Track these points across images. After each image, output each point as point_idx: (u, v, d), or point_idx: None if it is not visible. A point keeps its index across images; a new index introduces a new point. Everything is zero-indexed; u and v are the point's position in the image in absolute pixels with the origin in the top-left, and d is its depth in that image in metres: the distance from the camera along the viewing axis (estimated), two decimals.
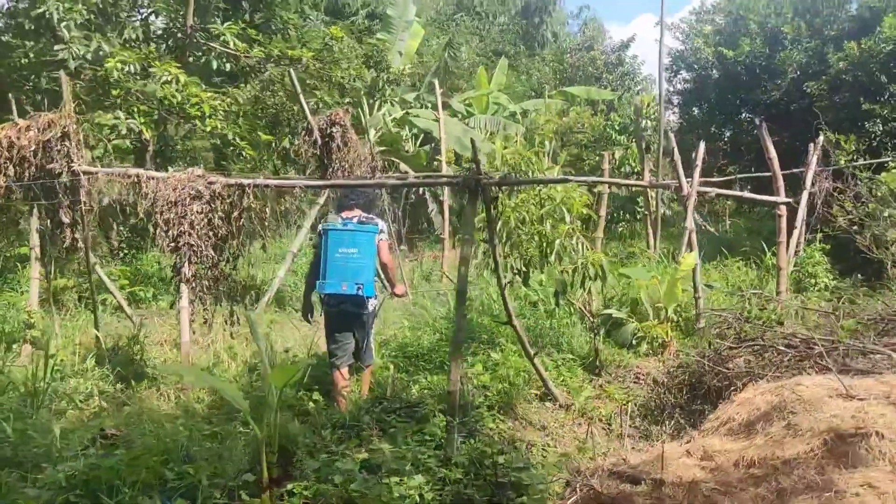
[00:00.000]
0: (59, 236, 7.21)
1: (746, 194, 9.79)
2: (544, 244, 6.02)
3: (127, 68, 9.53)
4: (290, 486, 3.92)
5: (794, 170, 11.87)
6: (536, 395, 5.90)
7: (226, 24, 11.61)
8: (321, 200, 9.38)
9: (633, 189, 14.37)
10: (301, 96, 10.37)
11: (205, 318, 5.90)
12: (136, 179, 6.14)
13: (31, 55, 9.66)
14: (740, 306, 7.03)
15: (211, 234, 5.74)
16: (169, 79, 9.59)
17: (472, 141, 4.54)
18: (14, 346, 7.07)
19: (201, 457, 4.09)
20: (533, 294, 7.89)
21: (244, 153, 12.09)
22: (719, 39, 16.08)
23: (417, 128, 18.26)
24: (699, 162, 7.98)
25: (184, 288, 5.99)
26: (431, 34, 32.11)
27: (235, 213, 5.74)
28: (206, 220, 5.73)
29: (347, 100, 15.11)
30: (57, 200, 6.83)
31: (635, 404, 6.10)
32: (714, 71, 16.17)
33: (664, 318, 7.00)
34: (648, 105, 17.26)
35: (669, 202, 14.35)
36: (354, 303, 5.89)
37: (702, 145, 8.40)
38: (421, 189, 16.87)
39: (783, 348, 5.32)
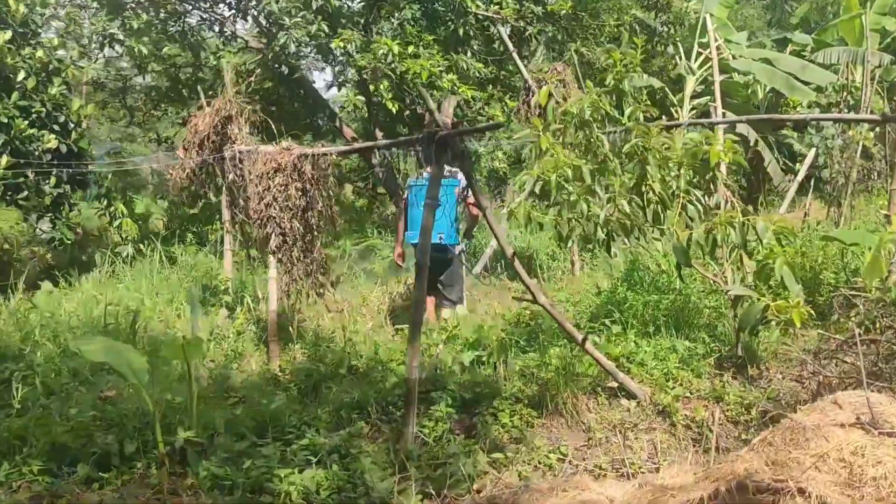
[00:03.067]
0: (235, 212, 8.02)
1: None
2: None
3: (349, 46, 10.04)
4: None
5: None
6: (613, 388, 4.85)
7: None
8: None
9: None
10: (515, 53, 9.87)
11: (292, 290, 6.00)
12: (256, 155, 6.51)
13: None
14: None
15: (290, 205, 5.81)
16: (385, 51, 9.83)
17: (422, 92, 3.89)
18: (212, 308, 7.99)
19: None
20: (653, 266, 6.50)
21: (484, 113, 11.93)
22: None
23: (738, 72, 16.19)
24: None
25: (272, 260, 6.19)
26: None
27: (304, 183, 5.71)
28: (285, 191, 5.83)
29: (621, 48, 13.98)
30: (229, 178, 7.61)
31: (756, 411, 4.68)
32: None
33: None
34: None
35: None
36: (437, 249, 6.22)
37: None
38: None
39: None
